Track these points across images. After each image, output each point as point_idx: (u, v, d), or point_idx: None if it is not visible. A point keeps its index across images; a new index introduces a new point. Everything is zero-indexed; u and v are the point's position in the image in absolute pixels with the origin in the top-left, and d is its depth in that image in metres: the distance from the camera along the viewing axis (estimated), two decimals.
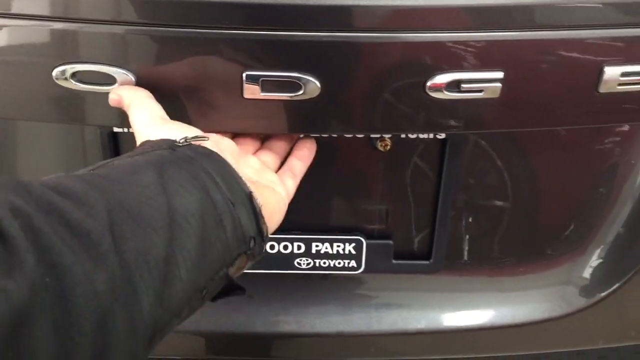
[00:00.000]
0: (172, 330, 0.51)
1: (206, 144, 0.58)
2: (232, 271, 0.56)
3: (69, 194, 0.44)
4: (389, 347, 0.86)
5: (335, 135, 0.73)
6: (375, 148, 0.75)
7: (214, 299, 0.57)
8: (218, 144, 0.62)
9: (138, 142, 0.59)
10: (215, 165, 0.56)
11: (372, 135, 0.74)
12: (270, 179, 0.65)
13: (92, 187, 0.46)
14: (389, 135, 0.73)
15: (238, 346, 0.86)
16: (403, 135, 0.74)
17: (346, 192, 0.80)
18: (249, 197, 0.56)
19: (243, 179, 0.57)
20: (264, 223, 0.58)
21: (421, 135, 0.74)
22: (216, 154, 0.57)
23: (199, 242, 0.50)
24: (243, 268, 0.58)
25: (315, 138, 0.71)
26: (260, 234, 0.57)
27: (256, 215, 0.57)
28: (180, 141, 0.57)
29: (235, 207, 0.54)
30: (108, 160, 0.54)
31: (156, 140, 0.57)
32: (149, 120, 0.59)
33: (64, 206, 0.43)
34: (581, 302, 0.85)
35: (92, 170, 0.51)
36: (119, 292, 0.44)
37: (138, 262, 0.45)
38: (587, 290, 0.85)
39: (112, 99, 0.61)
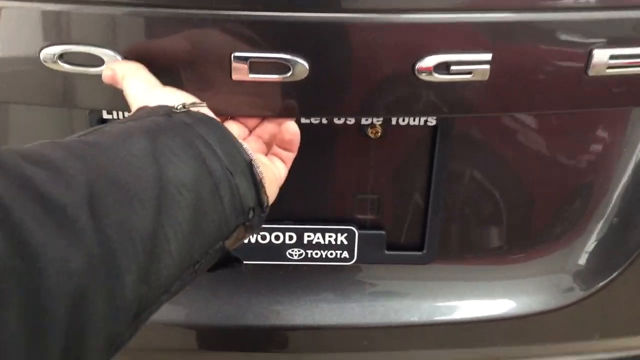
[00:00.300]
0: (162, 305, 0.49)
1: (204, 110, 0.57)
2: (229, 243, 0.55)
3: (47, 163, 0.42)
4: (382, 340, 0.85)
5: (325, 122, 0.73)
6: (366, 135, 0.75)
7: (210, 270, 0.56)
8: None
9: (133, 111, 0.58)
10: (213, 132, 0.54)
11: (362, 122, 0.74)
12: (261, 160, 0.64)
13: (74, 157, 0.44)
14: (379, 122, 0.73)
15: (229, 339, 0.85)
16: (393, 122, 0.74)
17: (337, 181, 0.79)
18: (249, 165, 0.55)
19: (243, 144, 0.56)
20: (265, 193, 0.56)
21: (412, 122, 0.74)
22: (215, 120, 0.56)
23: (192, 214, 0.49)
24: (242, 239, 0.57)
25: (306, 125, 0.71)
26: (260, 205, 0.56)
27: (256, 184, 0.55)
28: (178, 107, 0.55)
29: (234, 176, 0.53)
30: (100, 126, 0.52)
31: (152, 106, 0.56)
32: (144, 90, 0.59)
33: (38, 179, 0.40)
34: (577, 293, 0.84)
35: (81, 136, 0.50)
36: (97, 270, 0.41)
37: (121, 237, 0.43)
38: (583, 281, 0.84)
39: (106, 75, 0.61)
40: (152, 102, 0.57)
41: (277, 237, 0.80)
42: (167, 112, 0.54)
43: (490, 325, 0.84)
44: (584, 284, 0.83)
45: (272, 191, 0.62)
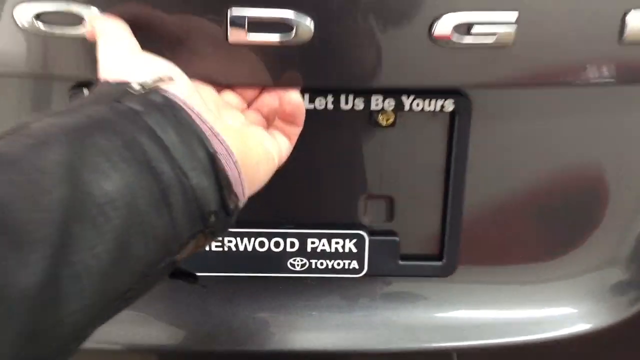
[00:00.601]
0: (73, 353, 0.40)
1: (173, 87, 0.48)
2: (181, 256, 0.46)
3: None
4: None
5: (330, 108, 0.66)
6: (377, 123, 0.67)
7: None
8: (198, 88, 0.54)
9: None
10: (168, 120, 0.45)
11: (372, 108, 0.66)
12: (258, 132, 0.57)
13: None
14: (391, 107, 0.66)
15: None
16: (406, 108, 0.66)
17: (344, 179, 0.71)
18: (213, 159, 0.46)
19: (213, 130, 0.47)
20: (232, 192, 0.47)
21: (426, 107, 0.67)
22: (174, 104, 0.46)
23: (121, 236, 0.40)
24: (201, 247, 0.48)
25: (308, 113, 0.64)
26: (225, 208, 0.47)
27: (219, 183, 0.46)
28: (136, 87, 0.46)
29: (190, 177, 0.44)
30: (24, 122, 0.42)
31: (111, 83, 0.48)
32: (116, 55, 0.51)
33: None
34: (630, 309, 0.73)
35: None
36: None
37: None
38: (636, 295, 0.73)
39: (88, 32, 0.54)
40: (118, 73, 0.49)
41: (276, 244, 0.71)
42: (119, 94, 0.46)
43: (528, 351, 0.73)
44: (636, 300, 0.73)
45: (263, 172, 0.54)
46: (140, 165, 0.42)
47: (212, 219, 0.46)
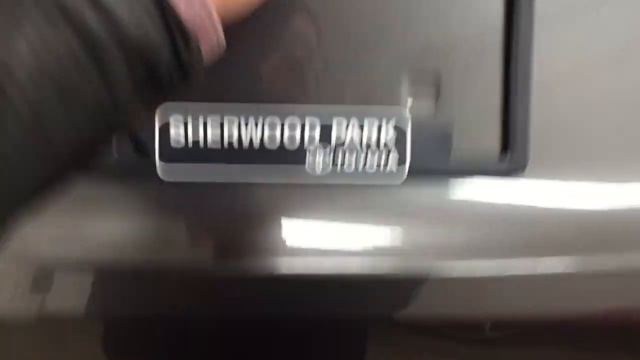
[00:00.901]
0: None
1: None
2: (132, 122, 0.37)
3: None
4: (451, 297, 0.54)
5: None
6: None
7: None
8: None
9: None
10: None
11: None
12: None
13: None
14: None
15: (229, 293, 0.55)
16: None
17: (377, 46, 0.55)
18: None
19: None
20: (189, 39, 0.37)
21: None
22: None
23: (28, 121, 0.32)
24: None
25: None
26: (180, 63, 0.37)
27: (170, 29, 0.35)
28: None
29: (126, 27, 0.34)
30: None
31: None
32: None
33: None
34: None
35: None
36: None
37: None
38: None
39: None
40: None
41: (292, 128, 0.54)
42: None
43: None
44: None
45: None
46: (51, 21, 0.32)
47: (165, 77, 0.36)
